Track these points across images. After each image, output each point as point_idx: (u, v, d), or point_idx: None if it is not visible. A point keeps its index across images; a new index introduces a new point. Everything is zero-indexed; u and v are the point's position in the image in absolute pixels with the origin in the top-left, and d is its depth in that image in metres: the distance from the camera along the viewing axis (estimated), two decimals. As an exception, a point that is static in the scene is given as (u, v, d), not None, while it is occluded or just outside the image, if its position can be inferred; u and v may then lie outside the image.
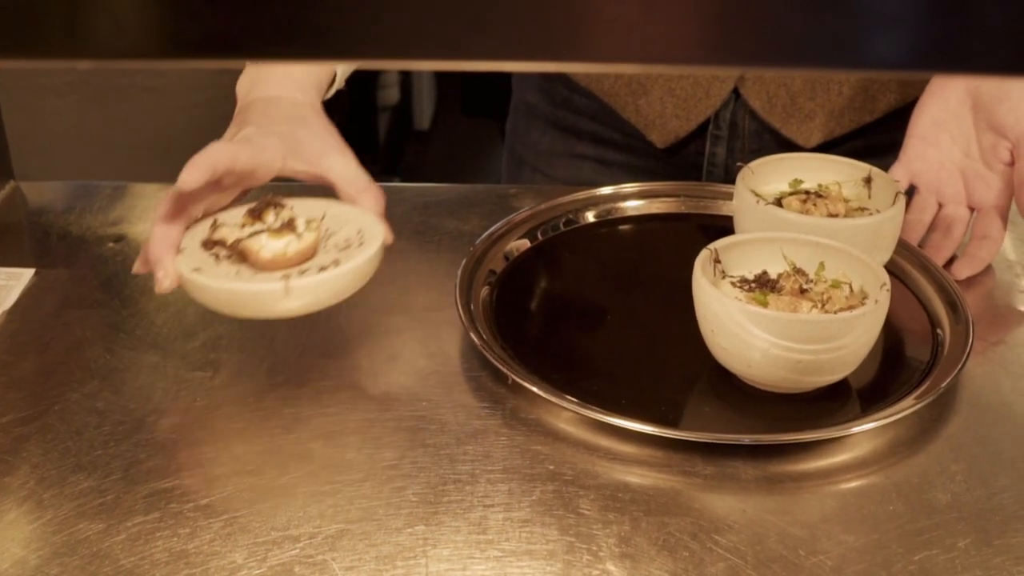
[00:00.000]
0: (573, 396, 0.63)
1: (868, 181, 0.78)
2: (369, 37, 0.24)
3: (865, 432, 0.63)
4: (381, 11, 0.24)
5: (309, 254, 0.66)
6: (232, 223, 0.67)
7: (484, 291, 0.74)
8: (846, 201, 0.76)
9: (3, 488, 0.59)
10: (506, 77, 1.05)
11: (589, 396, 0.64)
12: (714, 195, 0.85)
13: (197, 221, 0.69)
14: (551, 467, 0.61)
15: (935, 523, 0.57)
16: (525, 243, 0.80)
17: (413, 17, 0.24)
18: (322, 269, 0.64)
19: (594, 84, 0.94)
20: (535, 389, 0.63)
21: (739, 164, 0.78)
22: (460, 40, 0.24)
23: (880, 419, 0.62)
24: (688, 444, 0.61)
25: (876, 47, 0.24)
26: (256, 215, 0.67)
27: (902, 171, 0.81)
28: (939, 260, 0.78)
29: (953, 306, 0.72)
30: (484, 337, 0.68)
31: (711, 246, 0.67)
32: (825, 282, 0.66)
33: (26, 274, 0.79)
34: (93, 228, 0.85)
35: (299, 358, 0.70)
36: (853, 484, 0.60)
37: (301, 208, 0.68)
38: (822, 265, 0.67)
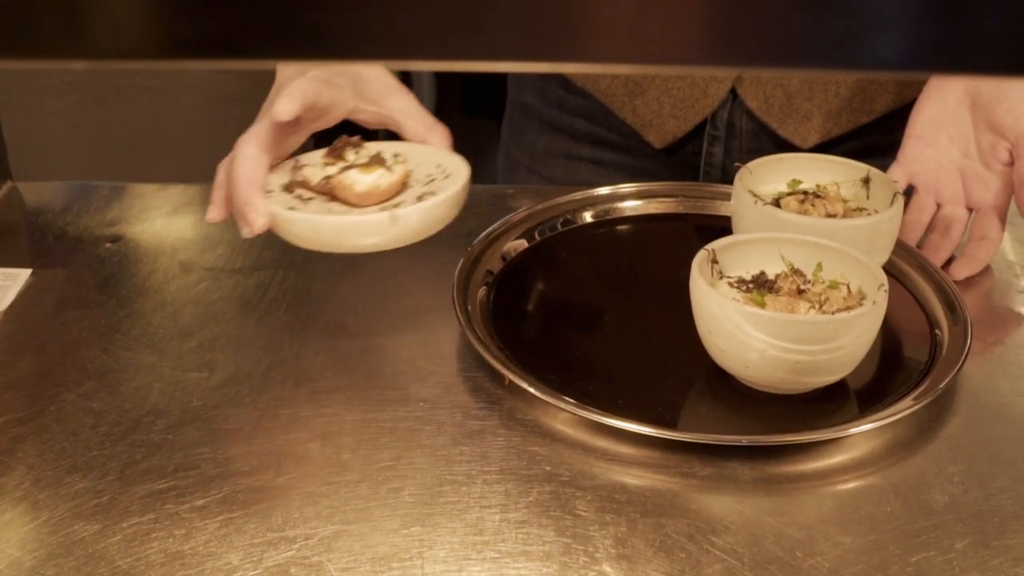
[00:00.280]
0: (570, 397, 0.63)
1: (866, 181, 0.78)
2: (367, 37, 0.24)
3: (863, 433, 0.63)
4: (379, 11, 0.24)
5: (399, 187, 0.67)
6: (313, 164, 0.67)
7: (481, 291, 0.74)
8: (844, 201, 0.76)
9: (-2, 489, 0.59)
10: (506, 77, 1.04)
11: (586, 397, 0.63)
12: (712, 195, 0.85)
13: (275, 165, 0.68)
14: (548, 468, 0.60)
15: (933, 524, 0.57)
16: (523, 243, 0.79)
17: (411, 17, 0.24)
18: (419, 199, 0.65)
19: (591, 84, 0.94)
20: (532, 390, 0.63)
21: (737, 164, 0.78)
22: (457, 40, 0.24)
23: (878, 420, 0.62)
24: (685, 445, 0.61)
25: (874, 47, 0.24)
26: (337, 154, 0.68)
27: (900, 171, 0.81)
28: (937, 260, 0.78)
29: (951, 307, 0.72)
30: (481, 338, 0.68)
31: (709, 246, 0.67)
32: (823, 283, 0.66)
33: (23, 274, 0.79)
34: (90, 228, 0.85)
35: (296, 359, 0.70)
36: (851, 485, 0.60)
37: (376, 147, 0.69)
38: (820, 266, 0.67)
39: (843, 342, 0.61)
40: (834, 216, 0.74)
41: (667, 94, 0.90)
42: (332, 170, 0.67)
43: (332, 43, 0.24)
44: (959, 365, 0.65)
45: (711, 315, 0.62)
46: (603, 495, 0.58)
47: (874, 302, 0.62)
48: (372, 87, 0.71)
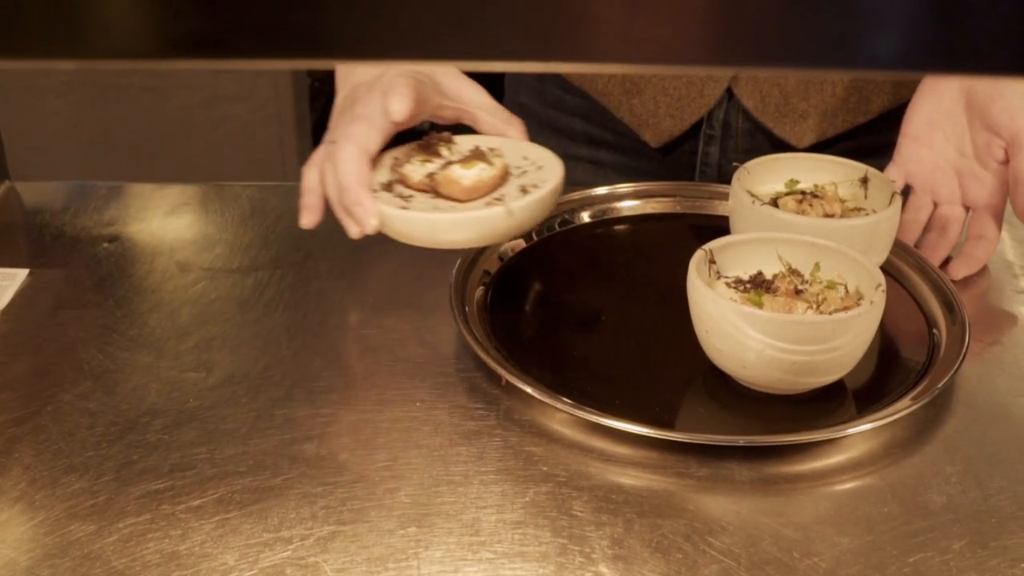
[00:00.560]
0: (568, 397, 0.63)
1: (864, 181, 0.78)
2: (364, 37, 0.24)
3: (860, 433, 0.62)
4: (376, 11, 0.24)
5: (500, 180, 0.68)
6: (408, 162, 0.68)
7: (479, 292, 0.74)
8: (842, 201, 0.76)
9: (-6, 489, 0.59)
10: (503, 78, 1.04)
11: (583, 397, 0.63)
12: (710, 195, 0.85)
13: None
14: (545, 468, 0.60)
15: (930, 525, 0.57)
16: (520, 243, 0.79)
17: (409, 17, 0.24)
18: (525, 191, 0.67)
19: (588, 84, 0.94)
20: (529, 390, 0.63)
21: (735, 164, 0.78)
22: (454, 40, 0.24)
23: (875, 420, 0.62)
24: (682, 445, 0.61)
25: (870, 47, 0.24)
26: (431, 151, 0.69)
27: (897, 172, 0.81)
28: (935, 260, 0.78)
29: (949, 307, 0.72)
30: (479, 338, 0.68)
31: (706, 247, 0.67)
32: (820, 283, 0.66)
33: (20, 274, 0.79)
34: (88, 228, 0.85)
35: (293, 359, 0.70)
36: (848, 486, 0.60)
37: (463, 141, 0.70)
38: (817, 266, 0.67)
39: (840, 342, 0.61)
40: (832, 216, 0.74)
41: (663, 93, 0.90)
42: (431, 167, 0.68)
43: (329, 43, 0.24)
44: (957, 365, 0.65)
45: (708, 315, 0.62)
46: (600, 495, 0.58)
47: (871, 302, 0.62)
48: (449, 83, 0.71)
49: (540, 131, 0.99)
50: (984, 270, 0.79)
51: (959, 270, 0.78)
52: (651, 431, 0.60)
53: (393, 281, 0.78)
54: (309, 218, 0.69)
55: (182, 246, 0.83)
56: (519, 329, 0.72)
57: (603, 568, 0.54)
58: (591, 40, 0.24)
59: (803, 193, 0.76)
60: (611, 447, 0.62)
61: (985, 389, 0.67)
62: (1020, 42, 0.24)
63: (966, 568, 0.54)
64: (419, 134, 0.73)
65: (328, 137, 0.71)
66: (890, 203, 0.73)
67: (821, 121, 0.89)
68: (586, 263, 0.80)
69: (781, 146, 0.89)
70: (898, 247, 0.76)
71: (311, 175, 0.69)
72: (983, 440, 0.63)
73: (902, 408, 0.62)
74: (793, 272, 0.66)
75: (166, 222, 0.86)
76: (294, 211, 0.87)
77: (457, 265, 0.74)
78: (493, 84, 0.97)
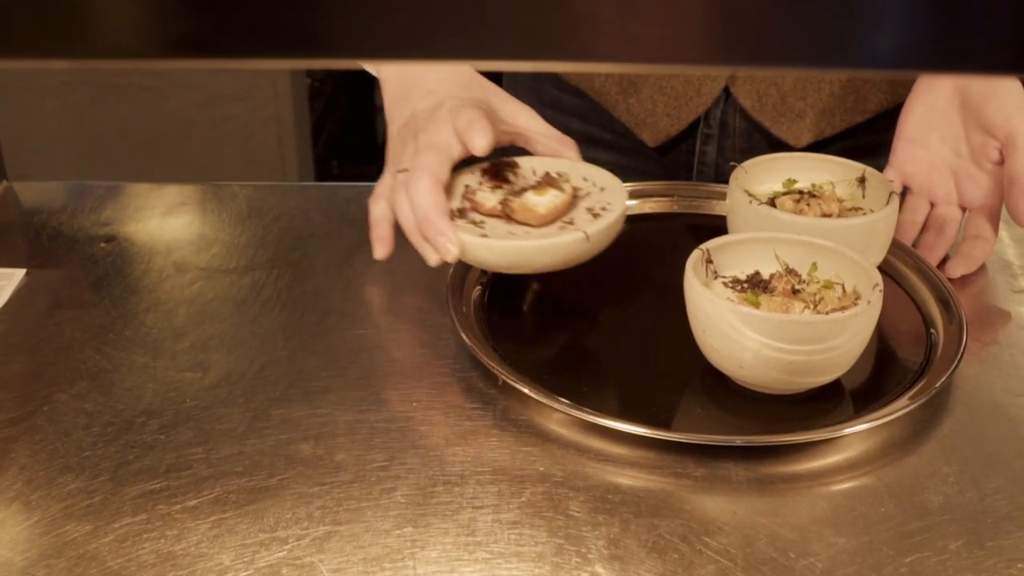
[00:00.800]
0: (564, 397, 0.63)
1: (862, 181, 0.77)
2: (361, 37, 0.24)
3: (857, 433, 0.62)
4: (374, 11, 0.24)
5: (570, 205, 0.70)
6: (479, 189, 0.70)
7: (476, 292, 0.74)
8: (840, 201, 0.76)
9: (-10, 490, 0.59)
10: (500, 77, 1.04)
11: (580, 397, 0.63)
12: (707, 195, 0.85)
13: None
14: (541, 468, 0.60)
15: (927, 525, 0.57)
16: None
17: (406, 16, 0.24)
18: (594, 213, 0.69)
19: (585, 83, 0.94)
20: (526, 390, 0.63)
21: (732, 164, 0.78)
22: (451, 40, 0.24)
23: (872, 420, 0.61)
24: (679, 445, 0.61)
25: (867, 46, 0.24)
26: (500, 177, 0.70)
27: (893, 174, 0.81)
28: (933, 260, 0.78)
29: (947, 306, 0.72)
30: (475, 338, 0.68)
31: (703, 246, 0.67)
32: (817, 283, 0.65)
33: (17, 274, 0.79)
34: (85, 228, 0.85)
35: (289, 359, 0.70)
36: (845, 486, 0.60)
37: (523, 164, 0.72)
38: (815, 266, 0.67)
39: (837, 342, 0.61)
40: (829, 216, 0.74)
41: (661, 93, 0.90)
42: (502, 193, 0.70)
43: (328, 42, 0.24)
44: (954, 365, 0.65)
45: (705, 315, 0.62)
46: (596, 496, 0.58)
47: (868, 302, 0.62)
48: (504, 108, 0.73)
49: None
50: (981, 270, 0.79)
51: (956, 269, 0.78)
52: (648, 431, 0.60)
53: (390, 281, 0.78)
54: (382, 249, 0.71)
55: (179, 246, 0.83)
56: (516, 329, 0.72)
57: (599, 568, 0.54)
58: (589, 39, 0.24)
59: (800, 193, 0.76)
60: (608, 447, 0.62)
61: (982, 389, 0.67)
62: (1016, 41, 0.24)
63: (962, 568, 0.54)
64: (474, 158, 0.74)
65: (391, 167, 0.73)
66: (887, 203, 0.73)
67: (818, 120, 0.89)
68: (583, 263, 0.80)
69: (778, 145, 0.89)
70: (896, 247, 0.76)
71: (379, 206, 0.71)
72: (980, 440, 0.63)
73: (899, 408, 0.62)
74: (790, 272, 0.66)
75: (163, 222, 0.86)
76: (292, 211, 0.87)
77: (454, 265, 0.74)
78: (499, 82, 0.96)
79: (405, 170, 0.69)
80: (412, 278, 0.78)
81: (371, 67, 0.81)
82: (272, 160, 1.95)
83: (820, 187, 0.77)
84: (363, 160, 2.52)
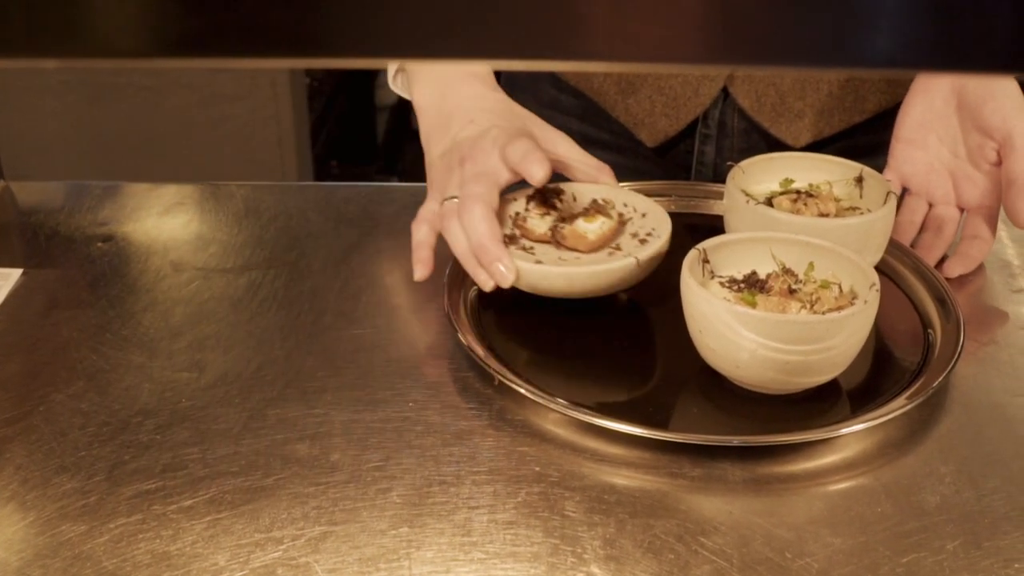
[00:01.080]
0: (560, 397, 0.63)
1: (860, 181, 0.77)
2: (359, 36, 0.24)
3: (854, 433, 0.62)
4: (372, 10, 0.23)
5: (617, 232, 0.72)
6: (528, 215, 0.72)
7: (472, 292, 0.74)
8: (837, 201, 0.75)
9: (-14, 490, 0.59)
10: (498, 77, 1.04)
11: (576, 397, 0.63)
12: (705, 194, 0.85)
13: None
14: (537, 468, 0.60)
15: (924, 525, 0.57)
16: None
17: (404, 15, 0.24)
18: (639, 239, 0.71)
19: (583, 83, 0.94)
20: (522, 390, 0.63)
21: (729, 163, 0.78)
22: (448, 39, 0.24)
23: (870, 420, 0.61)
24: (675, 445, 0.61)
25: (865, 45, 0.24)
26: (548, 204, 0.72)
27: (892, 175, 0.81)
28: (930, 260, 0.78)
29: (944, 306, 0.71)
30: (471, 338, 0.68)
31: (700, 246, 0.67)
32: (814, 282, 0.65)
33: (14, 274, 0.79)
34: (82, 228, 0.85)
35: (286, 359, 0.69)
36: (841, 486, 0.60)
37: (566, 190, 0.75)
38: (811, 265, 0.66)
39: (834, 342, 0.61)
40: (827, 215, 0.74)
41: (659, 93, 0.90)
42: (551, 219, 0.72)
43: (327, 42, 0.24)
44: (951, 365, 0.65)
45: (702, 315, 0.62)
46: (592, 496, 0.58)
47: (865, 301, 0.62)
48: (543, 136, 0.75)
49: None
50: (979, 269, 0.79)
51: (954, 269, 0.78)
52: (644, 431, 0.60)
53: (386, 281, 0.78)
54: (422, 271, 0.72)
55: (176, 246, 0.83)
56: (512, 329, 0.72)
57: (595, 568, 0.54)
58: (587, 38, 0.24)
59: (798, 192, 0.76)
60: (604, 447, 0.61)
61: (980, 389, 0.67)
62: (1013, 40, 0.24)
63: (959, 568, 0.54)
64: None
65: (435, 193, 0.74)
66: (885, 202, 0.73)
67: (817, 120, 0.89)
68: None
69: (777, 146, 0.89)
70: (893, 246, 0.76)
71: (421, 230, 0.73)
72: (977, 440, 0.63)
73: (897, 408, 0.62)
74: (787, 272, 0.66)
75: (160, 222, 0.86)
76: (289, 211, 0.87)
77: (451, 265, 0.74)
78: (498, 82, 0.96)
79: (454, 197, 0.71)
80: (408, 278, 0.78)
81: (405, 92, 0.82)
82: (271, 160, 1.95)
83: (817, 187, 0.77)
84: (362, 160, 2.52)
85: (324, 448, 0.62)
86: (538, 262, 0.69)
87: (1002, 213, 0.79)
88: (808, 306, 0.63)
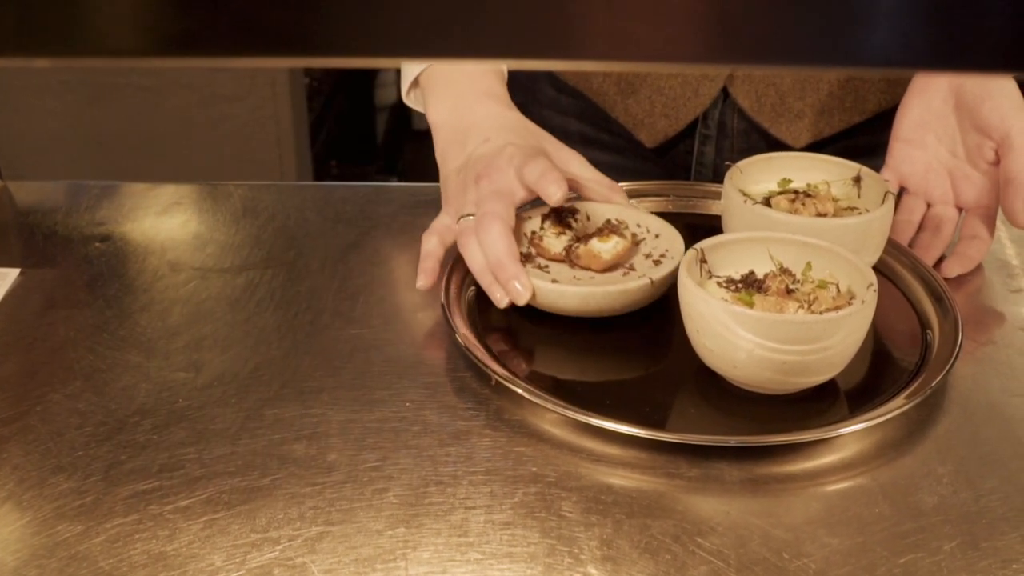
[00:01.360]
0: (557, 397, 0.63)
1: (858, 180, 0.77)
2: (358, 36, 0.24)
3: (852, 433, 0.62)
4: (371, 10, 0.23)
5: (630, 251, 0.72)
6: (544, 234, 0.73)
7: (470, 292, 0.74)
8: (835, 200, 0.75)
9: (-18, 490, 0.59)
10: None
11: (573, 397, 0.63)
12: (703, 195, 0.85)
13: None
14: (534, 469, 0.60)
15: (921, 526, 0.57)
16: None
17: (403, 15, 0.24)
18: (656, 261, 0.72)
19: (583, 83, 0.93)
20: (519, 390, 0.63)
21: (727, 164, 0.78)
22: (448, 38, 0.24)
23: (868, 420, 0.61)
24: (672, 446, 0.61)
25: (864, 45, 0.24)
26: (564, 223, 0.74)
27: (890, 174, 0.81)
28: (929, 260, 0.77)
29: (943, 306, 0.71)
30: (469, 338, 0.68)
31: (697, 246, 0.67)
32: (812, 282, 0.65)
33: (11, 274, 0.79)
34: (80, 228, 0.85)
35: (283, 359, 0.69)
36: (839, 486, 0.60)
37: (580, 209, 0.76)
38: (809, 265, 0.66)
39: (832, 342, 0.61)
40: (825, 215, 0.73)
41: (659, 93, 0.90)
42: (566, 239, 0.73)
43: (326, 41, 0.24)
44: (949, 364, 0.65)
45: (699, 315, 0.62)
46: (589, 496, 0.58)
47: (863, 301, 0.62)
48: (557, 155, 0.76)
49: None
50: (978, 270, 0.79)
51: (952, 269, 0.78)
52: (641, 431, 0.60)
53: (384, 281, 0.78)
54: (425, 280, 0.73)
55: (173, 246, 0.83)
56: (509, 329, 0.72)
57: (591, 569, 0.54)
58: (586, 38, 0.24)
59: (796, 192, 0.76)
60: (601, 447, 0.61)
61: (978, 389, 0.67)
62: (1011, 39, 0.24)
63: (957, 569, 0.54)
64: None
65: (449, 207, 0.75)
66: (883, 202, 0.73)
67: (817, 121, 0.89)
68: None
69: (777, 146, 0.89)
70: (891, 246, 0.76)
71: (431, 241, 0.74)
72: (975, 440, 0.63)
73: (895, 408, 0.62)
74: (784, 271, 0.66)
75: (158, 222, 0.86)
76: (287, 211, 0.87)
77: (448, 267, 0.74)
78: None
79: (470, 215, 0.71)
80: (406, 279, 0.78)
81: (419, 107, 0.82)
82: (271, 160, 1.95)
83: (815, 187, 0.77)
84: (362, 160, 2.52)
85: (321, 448, 0.62)
86: (553, 281, 0.70)
87: (1001, 213, 0.79)
88: (805, 306, 0.63)
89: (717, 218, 0.78)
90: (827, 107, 0.89)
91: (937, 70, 0.26)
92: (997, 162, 0.76)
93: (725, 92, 0.89)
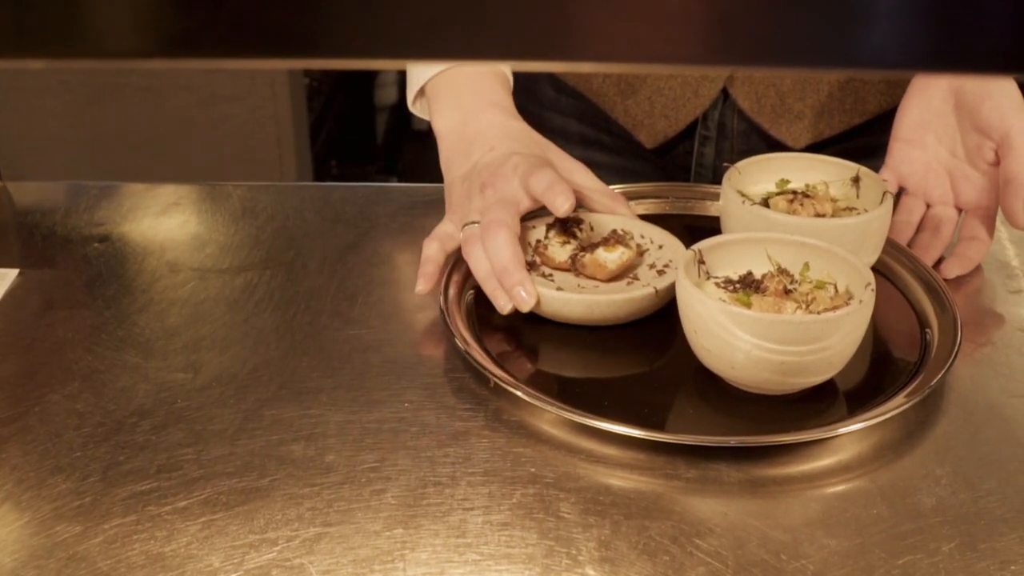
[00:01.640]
0: (556, 398, 0.63)
1: (856, 181, 0.77)
2: (358, 37, 0.24)
3: (851, 434, 0.62)
4: (371, 11, 0.23)
5: (636, 262, 0.73)
6: (549, 243, 0.74)
7: (468, 294, 0.74)
8: (834, 201, 0.75)
9: (-20, 490, 0.59)
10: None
11: (571, 398, 0.63)
12: (702, 196, 0.85)
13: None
14: (532, 470, 0.60)
15: (919, 527, 0.57)
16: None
17: (405, 16, 0.24)
18: (660, 271, 0.72)
19: (582, 84, 0.93)
20: (518, 391, 0.63)
21: (725, 164, 0.78)
22: (448, 39, 0.24)
23: (866, 420, 0.61)
24: (670, 447, 0.61)
25: (864, 46, 0.24)
26: (568, 232, 0.74)
27: (889, 175, 0.81)
28: (928, 260, 0.77)
29: (942, 306, 0.71)
30: (467, 339, 0.68)
31: (695, 247, 0.67)
32: (810, 282, 0.65)
33: (10, 274, 0.79)
34: (78, 228, 0.85)
35: (281, 360, 0.69)
36: (837, 488, 0.60)
37: (585, 219, 0.76)
38: (807, 265, 0.66)
39: (830, 342, 0.61)
40: (823, 215, 0.73)
41: (659, 94, 0.90)
42: (571, 248, 0.73)
43: (325, 42, 0.24)
44: (948, 364, 0.65)
45: (697, 315, 0.62)
46: (587, 497, 0.58)
47: (861, 301, 0.62)
48: (561, 165, 0.76)
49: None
50: (977, 270, 0.79)
51: (952, 269, 0.77)
52: (639, 432, 0.60)
53: (383, 282, 0.78)
54: (424, 285, 0.73)
55: (172, 246, 0.83)
56: (508, 330, 0.72)
57: (590, 570, 0.54)
58: (586, 39, 0.24)
59: (794, 193, 0.76)
60: (599, 448, 0.61)
61: (977, 390, 0.67)
62: (1011, 41, 0.24)
63: (955, 570, 0.54)
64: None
65: (453, 215, 0.75)
66: (881, 202, 0.73)
67: (817, 122, 0.89)
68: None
69: (777, 147, 0.89)
70: (891, 246, 0.76)
71: (432, 247, 0.74)
72: (974, 441, 0.63)
73: (893, 407, 0.62)
74: (782, 272, 0.66)
75: (157, 222, 0.86)
76: (286, 211, 0.87)
77: (448, 268, 0.74)
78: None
79: (475, 223, 0.72)
80: (405, 279, 0.78)
81: (425, 115, 0.82)
82: (271, 160, 1.95)
83: (814, 187, 0.77)
84: (362, 160, 2.52)
85: (319, 449, 0.62)
86: (558, 289, 0.70)
87: (1000, 214, 0.79)
88: (803, 306, 0.63)
89: (716, 219, 0.78)
90: (827, 108, 0.89)
91: (937, 72, 0.26)
92: (997, 163, 0.76)
93: (725, 93, 0.89)
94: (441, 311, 0.70)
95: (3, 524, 0.57)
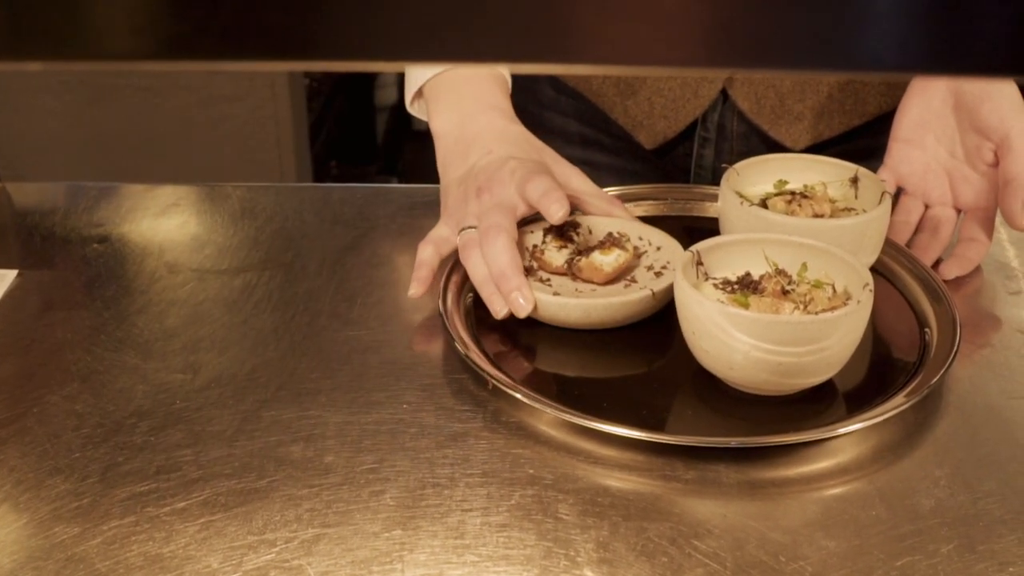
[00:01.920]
0: (554, 400, 0.63)
1: (855, 181, 0.77)
2: (358, 39, 0.24)
3: (849, 436, 0.62)
4: (371, 13, 0.23)
5: (633, 264, 0.73)
6: (546, 247, 0.74)
7: (468, 295, 0.74)
8: (832, 201, 0.75)
9: (-21, 492, 0.59)
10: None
11: (570, 399, 0.63)
12: (701, 197, 0.85)
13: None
14: (531, 471, 0.60)
15: (918, 529, 0.57)
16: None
17: (405, 17, 0.24)
18: (657, 273, 0.72)
19: (582, 85, 0.93)
20: (516, 393, 0.63)
21: (724, 165, 0.78)
22: (448, 41, 0.24)
23: (866, 420, 0.61)
24: (669, 448, 0.61)
25: (864, 48, 0.24)
26: (565, 236, 0.74)
27: (888, 175, 0.81)
28: (927, 261, 0.77)
29: (941, 307, 0.71)
30: (466, 341, 0.68)
31: (693, 248, 0.67)
32: (808, 283, 0.65)
33: (9, 275, 0.79)
34: (77, 229, 0.85)
35: (280, 361, 0.69)
36: (836, 489, 0.60)
37: (582, 222, 0.76)
38: (804, 266, 0.66)
39: (828, 343, 0.61)
40: (821, 216, 0.73)
41: (658, 94, 0.90)
42: (567, 252, 0.73)
43: (325, 44, 0.24)
44: (947, 365, 0.65)
45: (695, 316, 0.62)
46: (586, 498, 0.58)
47: (859, 302, 0.62)
48: (558, 171, 0.77)
49: (533, 132, 0.98)
50: (976, 271, 0.79)
51: (951, 270, 0.77)
52: (638, 433, 0.60)
53: (382, 283, 0.78)
54: (417, 289, 0.73)
55: (171, 247, 0.83)
56: (506, 332, 0.72)
57: (588, 572, 0.54)
58: (585, 41, 0.24)
59: (792, 193, 0.76)
60: (598, 449, 0.61)
61: (976, 391, 0.67)
62: (1011, 43, 0.24)
63: (953, 572, 0.54)
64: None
65: (449, 218, 0.75)
66: (880, 203, 0.73)
67: (816, 123, 0.89)
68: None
69: (776, 148, 0.89)
70: (890, 247, 0.76)
71: (427, 250, 0.74)
72: (973, 442, 0.63)
73: (892, 408, 0.62)
74: (780, 272, 0.66)
75: (156, 223, 0.86)
76: (285, 212, 0.87)
77: (447, 269, 0.74)
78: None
79: (472, 227, 0.72)
80: (404, 281, 0.78)
81: (423, 115, 0.83)
82: (270, 160, 1.95)
83: (812, 188, 0.77)
84: (362, 160, 2.52)
85: (318, 450, 0.62)
86: (555, 293, 0.70)
87: (1000, 215, 0.79)
88: (801, 307, 0.63)
89: (715, 220, 0.78)
90: (827, 109, 0.89)
91: (936, 74, 0.26)
92: (996, 163, 0.76)
93: (724, 94, 0.89)
94: (440, 312, 0.70)
95: (1, 525, 0.57)
